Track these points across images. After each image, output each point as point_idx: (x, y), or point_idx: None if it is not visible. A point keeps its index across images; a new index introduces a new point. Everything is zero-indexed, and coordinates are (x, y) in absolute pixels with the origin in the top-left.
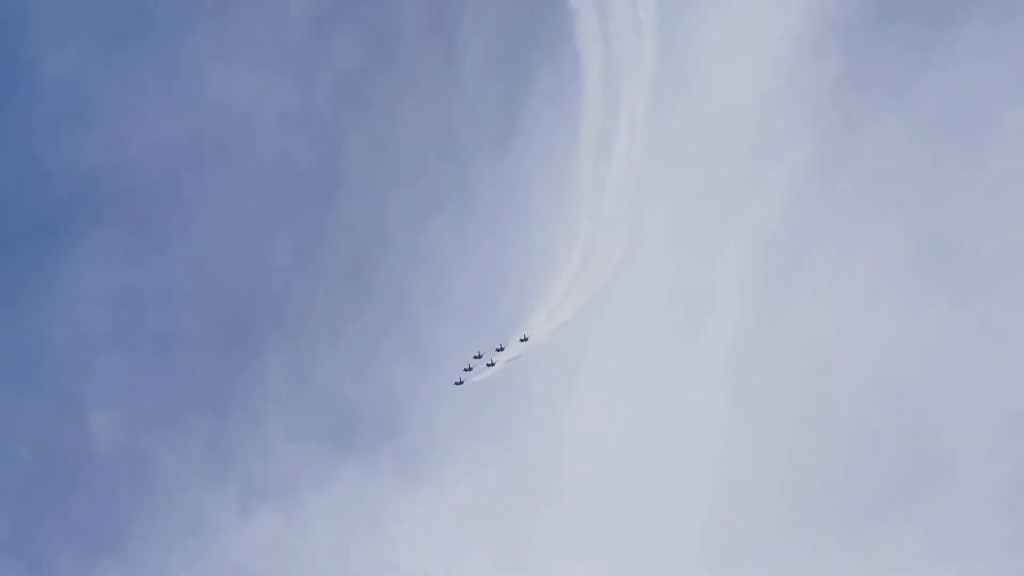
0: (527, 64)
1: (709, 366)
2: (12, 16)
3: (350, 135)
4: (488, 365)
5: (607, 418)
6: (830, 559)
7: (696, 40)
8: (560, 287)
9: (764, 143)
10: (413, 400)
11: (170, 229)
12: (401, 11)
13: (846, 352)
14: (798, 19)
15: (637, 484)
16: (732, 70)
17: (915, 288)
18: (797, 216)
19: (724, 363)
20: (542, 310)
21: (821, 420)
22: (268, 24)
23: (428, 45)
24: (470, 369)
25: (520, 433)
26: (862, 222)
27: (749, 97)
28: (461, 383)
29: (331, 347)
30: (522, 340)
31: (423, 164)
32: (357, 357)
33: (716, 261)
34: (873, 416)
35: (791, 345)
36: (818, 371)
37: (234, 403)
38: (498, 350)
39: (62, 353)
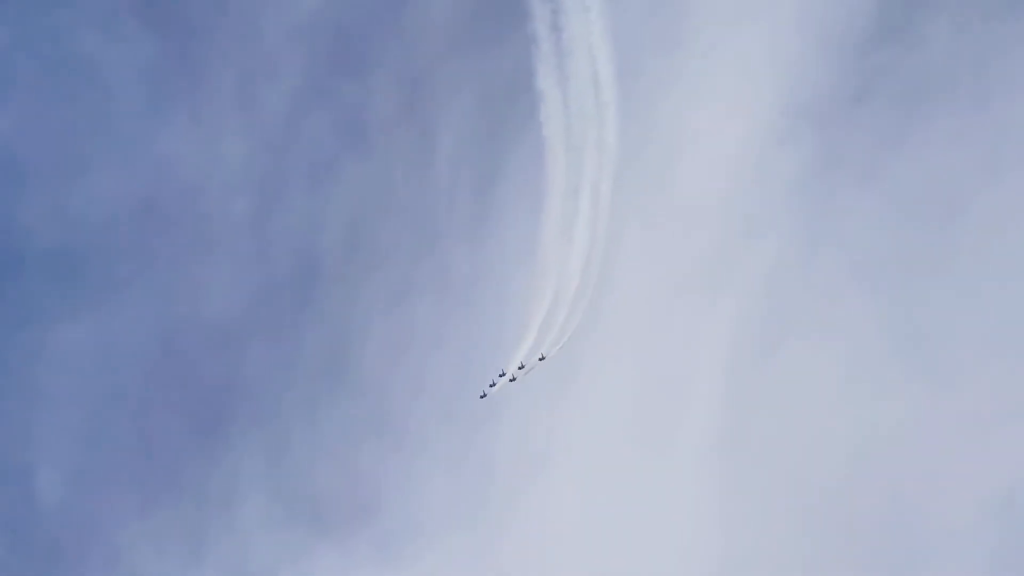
0: (497, 148)
1: (687, 450)
2: None
3: (325, 223)
4: (511, 381)
5: (587, 505)
6: None
7: (670, 125)
8: (537, 366)
9: (740, 228)
10: (391, 486)
11: (146, 314)
12: (374, 100)
13: (824, 435)
14: (770, 105)
15: (620, 569)
16: (706, 154)
17: (892, 371)
18: (774, 299)
19: (703, 447)
20: (519, 395)
21: (800, 504)
22: (243, 113)
23: (401, 133)
24: (494, 384)
25: (500, 521)
26: (839, 304)
27: (724, 182)
28: (485, 396)
29: (307, 432)
30: (540, 359)
31: (398, 250)
32: (334, 442)
33: (694, 345)
34: (852, 498)
35: (770, 429)
36: (797, 455)
37: (210, 489)
38: (519, 368)
39: (18, 430)
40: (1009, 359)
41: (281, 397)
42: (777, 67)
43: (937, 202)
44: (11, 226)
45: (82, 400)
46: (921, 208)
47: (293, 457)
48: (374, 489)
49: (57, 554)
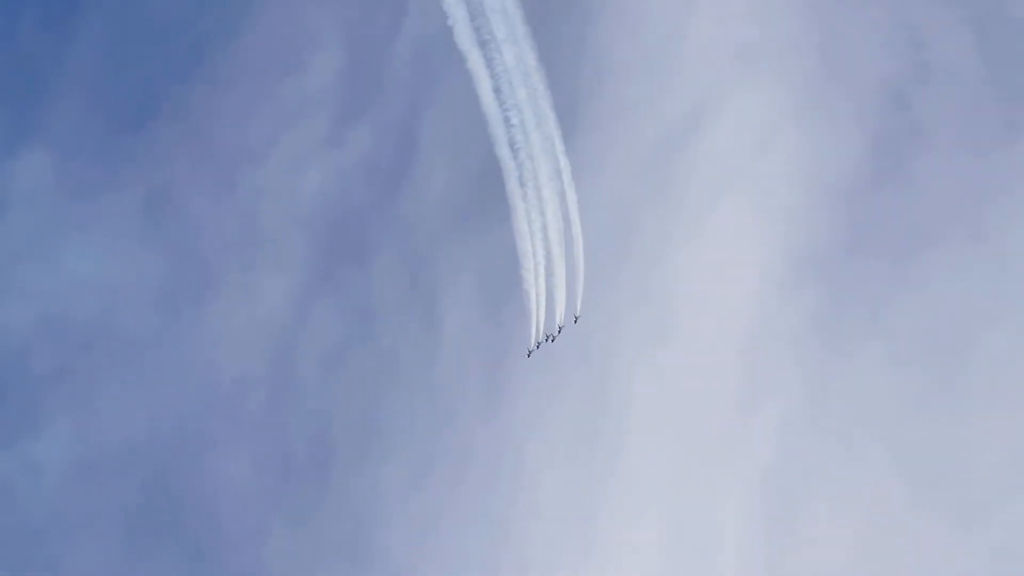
0: (503, 319)
1: None
2: None
3: (338, 408)
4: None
5: None
6: None
7: (670, 285)
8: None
9: (750, 382)
10: None
11: (165, 516)
12: (378, 284)
13: None
14: (769, 257)
15: None
16: (709, 311)
17: (915, 518)
18: (790, 451)
19: None
20: (543, 562)
21: None
22: (248, 306)
23: (406, 312)
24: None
25: None
26: (854, 455)
27: (732, 338)
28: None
29: None
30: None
31: (413, 429)
32: None
33: (713, 502)
34: None
35: None
36: None
37: None
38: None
39: None
40: None
41: None
42: (773, 219)
43: (945, 342)
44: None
45: None
46: (929, 349)
47: None
48: None
49: None
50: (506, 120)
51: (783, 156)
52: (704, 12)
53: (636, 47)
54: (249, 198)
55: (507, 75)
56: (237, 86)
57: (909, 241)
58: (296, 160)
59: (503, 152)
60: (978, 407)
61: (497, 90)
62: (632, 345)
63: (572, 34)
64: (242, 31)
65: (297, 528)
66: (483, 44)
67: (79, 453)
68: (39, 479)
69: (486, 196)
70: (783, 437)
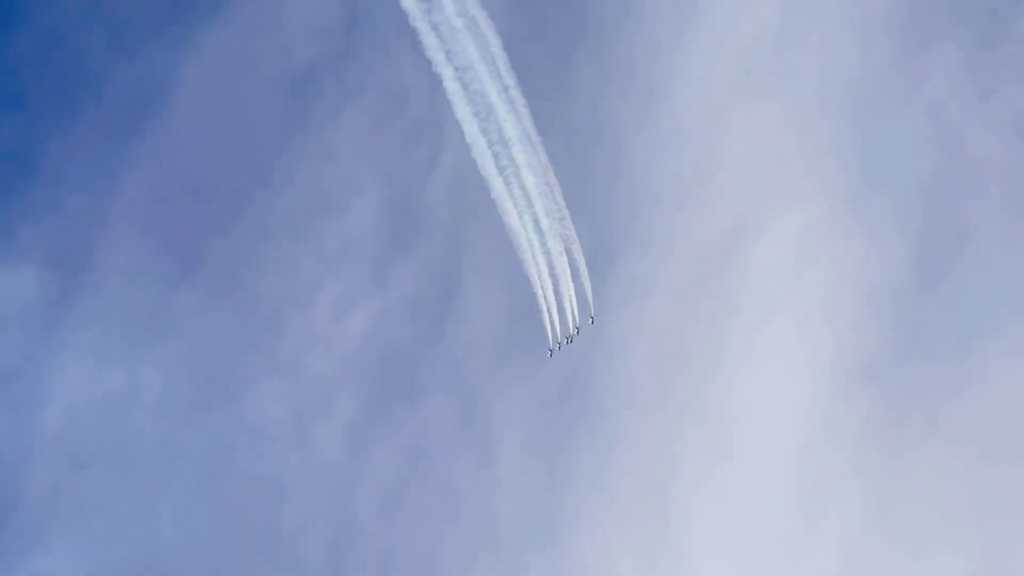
0: (559, 448)
1: None
2: None
3: (396, 551)
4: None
5: None
6: None
7: (726, 400)
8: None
9: (810, 495)
10: None
11: None
12: (430, 420)
13: None
14: (823, 367)
15: None
16: (766, 424)
17: None
18: (855, 563)
19: None
20: None
21: None
22: (300, 451)
23: (462, 451)
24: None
25: None
26: (922, 560)
27: (789, 451)
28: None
29: None
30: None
31: (474, 564)
32: None
33: None
34: None
35: None
36: None
37: None
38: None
39: None
40: None
41: None
42: (822, 330)
43: (1007, 442)
44: None
45: None
46: (991, 451)
47: None
48: None
49: None
50: (535, 248)
51: (828, 266)
52: (738, 128)
53: (671, 171)
54: (297, 345)
55: (531, 204)
56: (278, 234)
57: (962, 343)
58: (341, 304)
59: (535, 280)
60: None
61: (522, 216)
62: (690, 464)
63: (605, 160)
64: (279, 179)
65: None
66: (506, 175)
67: None
68: None
69: (529, 324)
70: (846, 548)
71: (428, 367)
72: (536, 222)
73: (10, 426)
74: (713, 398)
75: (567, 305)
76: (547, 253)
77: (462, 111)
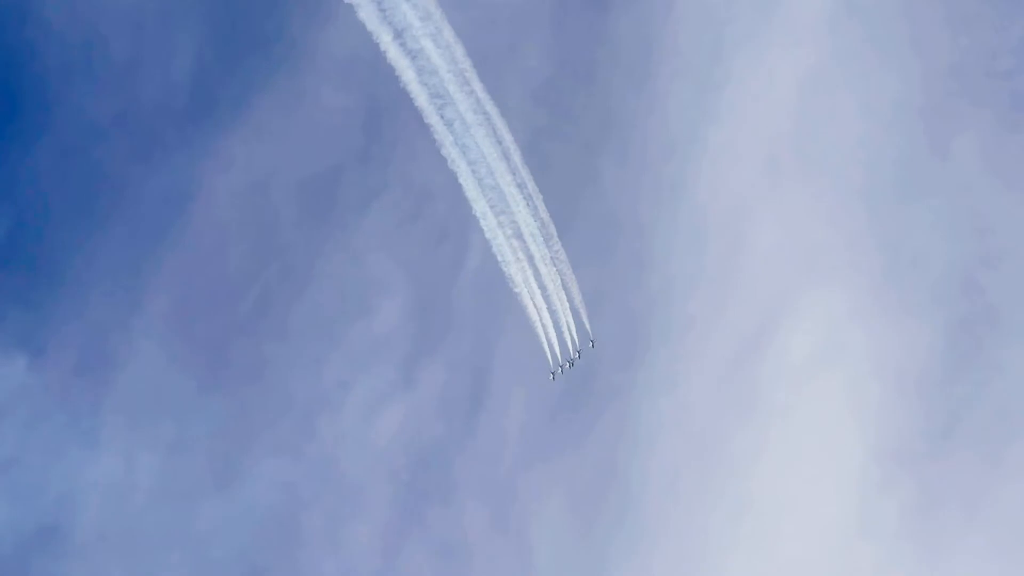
0: (598, 544)
1: None
2: None
3: None
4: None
5: None
6: None
7: (764, 491)
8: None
9: None
10: None
11: None
12: (466, 518)
13: None
14: (860, 455)
15: None
16: (806, 514)
17: None
18: None
19: None
20: None
21: None
22: (335, 555)
23: (498, 551)
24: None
25: None
26: None
27: (828, 539)
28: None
29: None
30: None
31: None
32: None
33: None
34: None
35: None
36: None
37: None
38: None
39: None
40: None
41: None
42: (857, 418)
43: None
44: None
45: None
46: None
47: None
48: None
49: None
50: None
51: (860, 353)
52: (764, 215)
53: (698, 261)
54: (328, 446)
55: (547, 295)
56: (306, 336)
57: (998, 428)
58: (372, 404)
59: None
60: None
61: (540, 311)
62: (728, 558)
63: (631, 251)
64: (307, 281)
65: None
66: (523, 269)
67: None
68: None
69: (562, 416)
70: None
71: (461, 465)
72: (553, 313)
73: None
74: (749, 490)
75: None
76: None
77: (480, 207)
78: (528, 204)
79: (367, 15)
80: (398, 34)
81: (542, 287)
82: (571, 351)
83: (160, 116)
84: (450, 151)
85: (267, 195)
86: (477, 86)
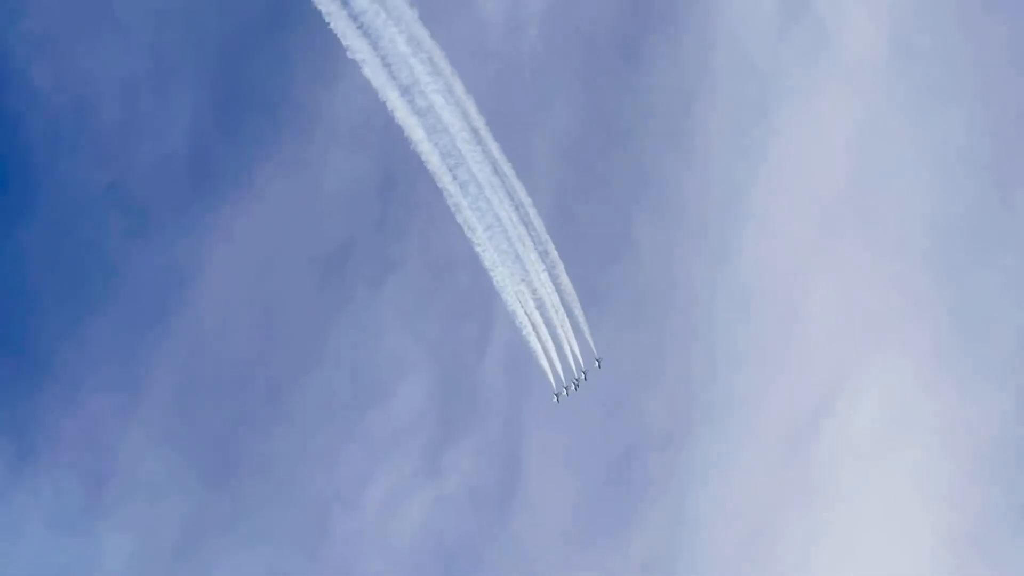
0: None
1: None
2: None
3: None
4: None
5: None
6: None
7: None
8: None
9: None
10: None
11: None
12: None
13: None
14: (931, 539)
15: None
16: None
17: None
18: None
19: None
20: None
21: None
22: None
23: None
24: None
25: None
26: None
27: None
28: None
29: None
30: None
31: None
32: None
33: None
34: None
35: None
36: None
37: None
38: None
39: None
40: None
41: None
42: (929, 497)
43: None
44: None
45: None
46: None
47: None
48: None
49: None
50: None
51: (928, 429)
52: (819, 280)
53: (748, 331)
54: (343, 546)
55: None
56: (319, 425)
57: None
58: (392, 498)
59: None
60: None
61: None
62: None
63: (672, 323)
64: (318, 364)
65: None
66: (545, 344)
67: None
68: None
69: (601, 504)
70: None
71: (492, 563)
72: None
73: None
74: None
75: None
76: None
77: (499, 277)
78: (550, 273)
79: (372, 71)
80: (405, 91)
81: (565, 363)
82: (575, 374)
83: (155, 188)
84: (466, 217)
85: (273, 271)
86: (492, 146)
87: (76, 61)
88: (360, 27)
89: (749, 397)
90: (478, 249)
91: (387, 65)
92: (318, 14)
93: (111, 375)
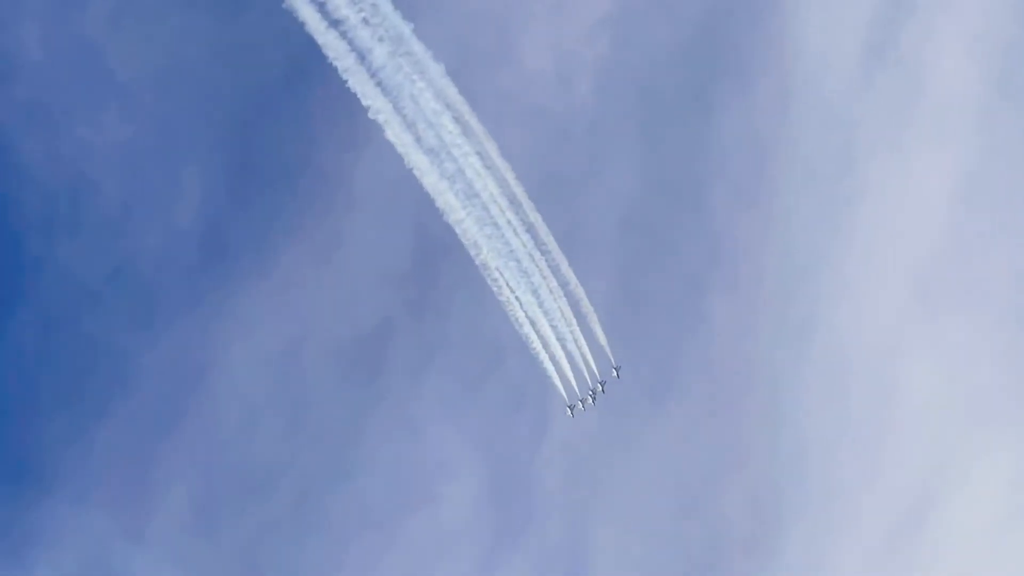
0: None
1: None
2: None
3: None
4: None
5: None
6: None
7: None
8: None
9: None
10: None
11: None
12: None
13: None
14: None
15: None
16: None
17: None
18: None
19: None
20: None
21: None
22: None
23: None
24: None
25: None
26: None
27: None
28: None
29: None
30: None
31: None
32: None
33: None
34: None
35: None
36: None
37: None
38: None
39: None
40: None
41: None
42: None
43: None
44: None
45: None
46: None
47: None
48: None
49: None
50: None
51: None
52: (915, 354)
53: (841, 414)
54: None
55: None
56: (356, 535)
57: None
58: None
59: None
60: None
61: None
62: None
63: (761, 407)
64: (354, 465)
65: None
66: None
67: None
68: None
69: None
70: None
71: None
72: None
73: None
74: None
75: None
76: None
77: (546, 361)
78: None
79: (396, 133)
80: (433, 154)
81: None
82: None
83: (163, 273)
84: (507, 296)
85: (299, 362)
86: (534, 216)
87: (73, 131)
88: (379, 84)
89: (844, 489)
90: (524, 332)
91: (409, 124)
92: (334, 71)
93: (119, 486)
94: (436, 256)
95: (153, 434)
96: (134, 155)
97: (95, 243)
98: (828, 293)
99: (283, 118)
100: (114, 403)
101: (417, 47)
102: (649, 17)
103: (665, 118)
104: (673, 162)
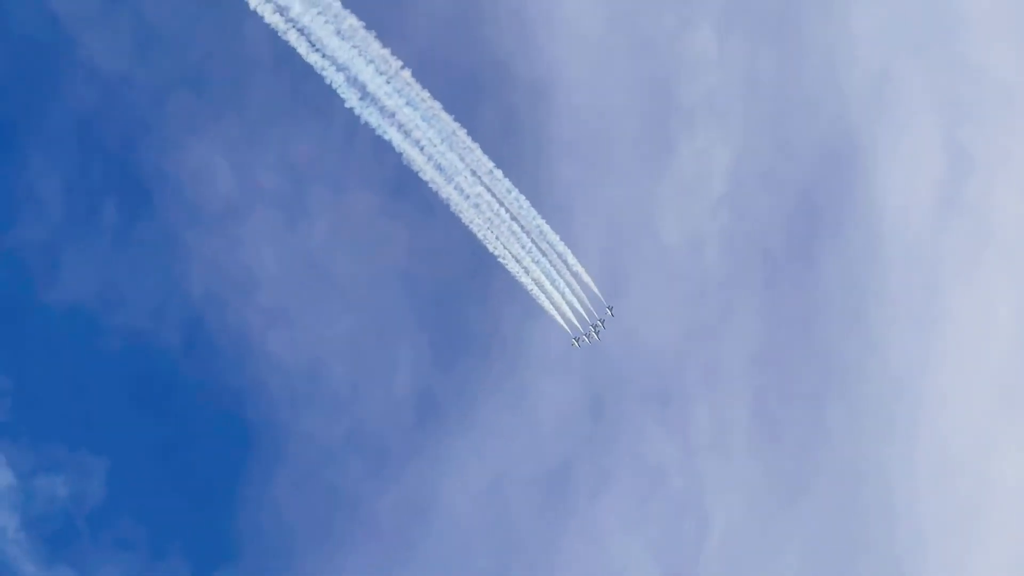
0: None
1: None
2: None
3: None
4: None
5: None
6: None
7: None
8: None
9: None
10: None
11: None
12: None
13: None
14: None
15: None
16: None
17: None
18: None
19: None
20: None
21: None
22: None
23: None
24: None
25: None
26: None
27: None
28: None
29: None
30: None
31: None
32: None
33: None
34: None
35: None
36: None
37: None
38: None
39: None
40: None
41: None
42: None
43: None
44: None
45: None
46: None
47: None
48: None
49: None
50: None
51: None
52: (1009, 448)
53: (945, 503)
54: None
55: None
56: None
57: None
58: None
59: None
60: None
61: None
62: None
63: (876, 503)
64: (552, 573)
65: None
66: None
67: None
68: None
69: None
70: None
71: None
72: None
73: None
74: None
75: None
76: None
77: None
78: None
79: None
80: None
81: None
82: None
83: (388, 430)
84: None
85: (502, 494)
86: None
87: (307, 325)
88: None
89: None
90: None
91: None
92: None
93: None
94: (604, 400)
95: (390, 562)
96: (355, 339)
97: (331, 413)
98: (927, 401)
99: (472, 300)
100: (358, 537)
101: (559, 246)
102: (759, 191)
103: (781, 273)
104: (789, 306)
